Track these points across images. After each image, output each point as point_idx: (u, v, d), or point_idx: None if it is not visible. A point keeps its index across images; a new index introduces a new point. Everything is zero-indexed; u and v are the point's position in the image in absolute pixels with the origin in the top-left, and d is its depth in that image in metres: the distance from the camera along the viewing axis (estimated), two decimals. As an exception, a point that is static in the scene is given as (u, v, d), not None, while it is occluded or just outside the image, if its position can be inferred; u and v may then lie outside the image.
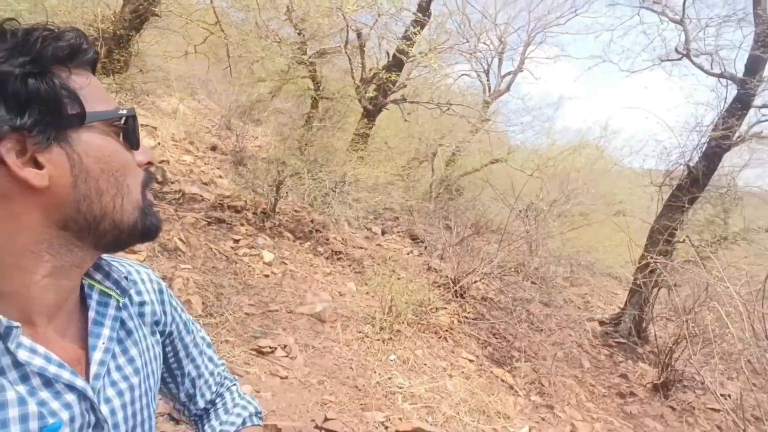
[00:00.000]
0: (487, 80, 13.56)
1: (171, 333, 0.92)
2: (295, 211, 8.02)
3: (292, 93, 11.77)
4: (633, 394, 5.83)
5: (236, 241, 6.03)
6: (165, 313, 0.90)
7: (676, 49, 8.83)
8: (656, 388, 5.91)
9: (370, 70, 10.44)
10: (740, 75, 7.71)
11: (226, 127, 11.56)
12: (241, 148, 10.05)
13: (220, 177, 8.54)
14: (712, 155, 7.56)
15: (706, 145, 7.72)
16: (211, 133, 11.07)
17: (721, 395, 6.14)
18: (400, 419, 3.84)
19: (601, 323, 7.64)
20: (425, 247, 8.11)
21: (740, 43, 8.33)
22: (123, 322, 0.80)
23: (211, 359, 1.03)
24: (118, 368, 0.76)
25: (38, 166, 0.61)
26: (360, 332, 4.90)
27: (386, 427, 3.74)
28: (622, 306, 8.11)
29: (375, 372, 4.38)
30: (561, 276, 8.20)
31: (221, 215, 6.54)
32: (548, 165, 9.44)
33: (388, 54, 10.23)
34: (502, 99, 13.79)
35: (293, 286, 5.43)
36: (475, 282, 6.32)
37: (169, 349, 0.93)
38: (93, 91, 0.67)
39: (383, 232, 8.47)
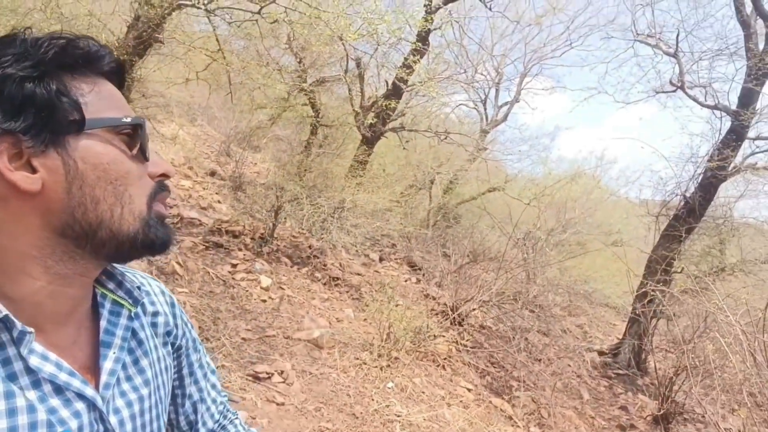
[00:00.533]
0: (485, 110, 13.72)
1: (180, 347, 0.90)
2: (293, 236, 8.00)
3: (291, 120, 11.86)
4: (633, 426, 5.74)
5: (234, 265, 6.00)
6: (177, 326, 0.89)
7: (671, 82, 8.99)
8: (656, 420, 5.82)
9: (369, 98, 10.57)
10: (734, 107, 7.84)
11: (226, 153, 11.62)
12: (240, 173, 10.09)
13: (219, 202, 8.55)
14: (708, 186, 7.62)
15: (701, 175, 7.79)
16: (210, 159, 11.13)
17: (724, 429, 6.06)
18: (398, 449, 3.76)
19: (600, 354, 7.58)
20: (423, 275, 8.08)
21: (733, 76, 8.50)
22: (134, 332, 0.78)
23: (214, 386, 0.99)
24: (128, 378, 0.74)
25: (33, 170, 0.61)
26: (357, 359, 4.83)
27: (384, 457, 3.66)
28: (620, 336, 8.05)
29: (373, 400, 4.31)
30: (559, 305, 8.16)
31: (219, 240, 6.52)
32: (545, 194, 9.49)
33: (387, 82, 10.36)
34: (499, 128, 13.94)
35: (290, 312, 5.38)
36: (474, 310, 6.28)
37: (174, 363, 0.90)
38: (100, 98, 0.66)
39: (381, 259, 8.45)
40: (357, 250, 7.91)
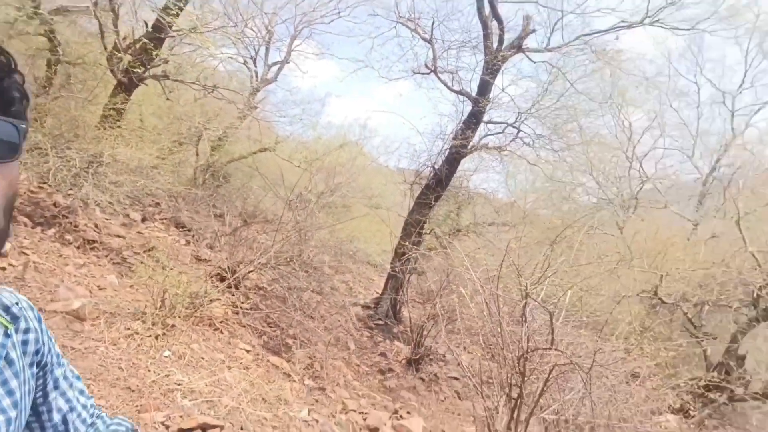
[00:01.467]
0: (255, 67, 13.40)
1: (46, 364, 0.85)
2: (31, 191, 6.81)
3: (20, 52, 9.84)
4: (391, 369, 6.52)
5: (-47, 226, 4.86)
6: (44, 342, 0.84)
7: (426, 65, 10.03)
8: (410, 363, 6.72)
9: (125, 38, 9.44)
10: (474, 94, 9.18)
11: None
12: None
13: None
14: (453, 160, 8.86)
15: (448, 151, 9.00)
16: None
17: (458, 364, 7.30)
18: (182, 417, 3.64)
19: (364, 307, 8.33)
20: (193, 236, 7.69)
21: (474, 67, 9.90)
22: (6, 352, 0.73)
23: (82, 392, 0.96)
24: None
25: None
26: (128, 329, 4.45)
27: (167, 427, 3.51)
28: (379, 291, 8.94)
29: (149, 370, 4.05)
30: (328, 264, 8.65)
31: (-72, 194, 5.19)
32: (316, 158, 9.82)
33: (146, 23, 9.35)
34: (270, 88, 13.79)
35: (40, 281, 4.63)
36: (250, 272, 6.27)
37: (39, 382, 0.84)
38: None
39: (144, 219, 7.76)
40: (115, 209, 7.12)
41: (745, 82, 12.54)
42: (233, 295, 5.90)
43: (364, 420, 5.09)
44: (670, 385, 5.80)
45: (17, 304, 0.75)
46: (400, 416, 5.48)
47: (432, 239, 8.66)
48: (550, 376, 4.17)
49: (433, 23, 9.93)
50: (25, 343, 0.77)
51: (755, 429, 7.48)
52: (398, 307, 8.22)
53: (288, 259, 6.59)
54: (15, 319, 0.74)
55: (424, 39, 10.17)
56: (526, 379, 4.26)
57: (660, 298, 8.25)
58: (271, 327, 5.93)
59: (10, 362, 0.72)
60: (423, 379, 6.50)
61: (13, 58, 0.68)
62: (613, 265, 7.19)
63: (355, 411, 5.16)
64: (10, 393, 0.70)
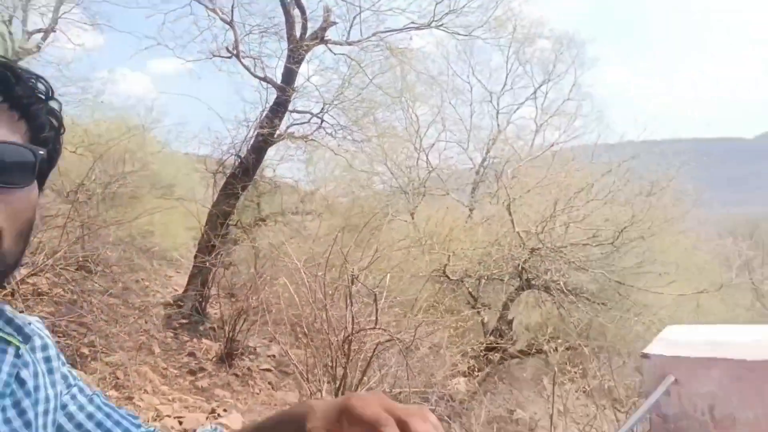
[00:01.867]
0: (10, 34, 11.27)
1: None
2: None
3: None
4: (202, 369, 6.20)
5: None
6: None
7: (227, 48, 9.58)
8: (221, 359, 6.46)
9: None
10: (279, 82, 9.09)
11: None
12: None
13: None
14: (259, 149, 8.68)
15: (253, 139, 8.77)
16: None
17: (268, 356, 7.25)
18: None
19: (166, 306, 7.68)
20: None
21: (280, 55, 9.76)
22: (17, 371, 0.70)
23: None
24: (6, 421, 0.67)
25: None
26: None
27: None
28: (179, 288, 8.36)
29: None
30: (120, 263, 7.73)
31: None
32: (97, 143, 8.67)
33: None
34: (35, 60, 11.72)
35: None
36: (32, 275, 5.32)
37: None
38: None
39: None
40: None
41: (506, 84, 14.62)
42: (9, 304, 4.95)
43: (181, 424, 4.79)
44: (461, 351, 6.62)
45: (30, 324, 0.73)
46: (218, 415, 5.27)
47: (238, 230, 8.38)
48: (374, 353, 4.43)
49: (233, 5, 9.50)
50: (47, 360, 0.75)
51: (523, 380, 8.99)
52: (204, 303, 7.79)
53: (75, 260, 5.79)
54: (27, 339, 0.71)
55: (223, 20, 9.65)
56: (350, 359, 4.45)
57: (447, 276, 9.26)
58: (60, 337, 5.14)
59: (21, 382, 0.69)
60: (237, 375, 6.31)
61: (50, 85, 0.70)
62: (410, 249, 7.86)
63: (169, 416, 4.82)
64: (21, 413, 0.68)
